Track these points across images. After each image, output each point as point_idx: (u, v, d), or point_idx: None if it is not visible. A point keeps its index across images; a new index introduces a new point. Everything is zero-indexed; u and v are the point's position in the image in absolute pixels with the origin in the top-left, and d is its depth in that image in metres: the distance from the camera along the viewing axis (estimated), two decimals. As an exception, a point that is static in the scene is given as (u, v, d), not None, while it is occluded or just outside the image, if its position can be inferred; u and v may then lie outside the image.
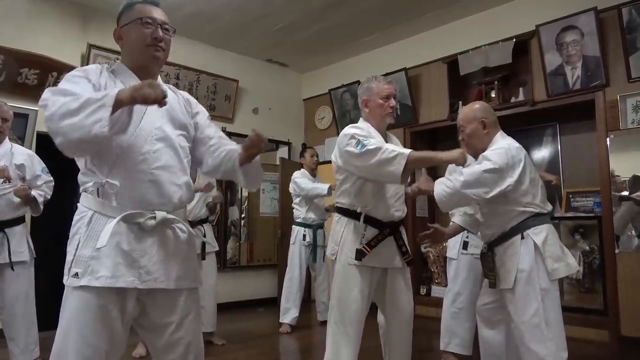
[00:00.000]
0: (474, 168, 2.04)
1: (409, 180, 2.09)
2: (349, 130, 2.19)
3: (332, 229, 2.32)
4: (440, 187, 2.05)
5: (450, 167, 3.21)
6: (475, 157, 2.21)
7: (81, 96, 1.26)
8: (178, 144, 1.50)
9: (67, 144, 1.26)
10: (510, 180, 2.03)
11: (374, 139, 2.11)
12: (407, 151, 1.98)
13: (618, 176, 3.83)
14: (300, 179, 4.36)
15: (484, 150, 2.19)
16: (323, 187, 4.19)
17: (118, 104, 1.23)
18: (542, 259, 2.04)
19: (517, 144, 2.15)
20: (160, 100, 1.25)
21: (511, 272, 2.06)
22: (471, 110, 2.25)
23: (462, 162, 2.01)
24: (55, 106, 1.26)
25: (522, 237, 2.07)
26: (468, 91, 4.87)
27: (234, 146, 1.58)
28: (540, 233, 2.08)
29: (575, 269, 2.16)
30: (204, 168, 1.64)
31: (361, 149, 2.04)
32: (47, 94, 1.32)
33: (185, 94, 1.67)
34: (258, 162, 1.58)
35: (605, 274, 3.83)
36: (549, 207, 2.19)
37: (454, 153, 1.97)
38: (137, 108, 1.39)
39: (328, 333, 2.20)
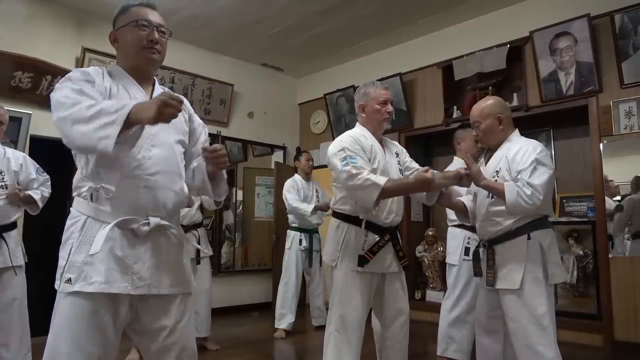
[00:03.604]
0: (541, 178, 1.99)
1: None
2: (341, 143, 2.18)
3: (329, 235, 2.29)
4: (516, 196, 1.96)
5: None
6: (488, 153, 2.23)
7: (96, 104, 1.25)
8: (174, 150, 1.49)
9: (71, 146, 1.31)
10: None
11: (360, 158, 2.12)
12: (383, 182, 2.02)
13: (611, 181, 3.85)
14: (290, 194, 4.39)
15: (495, 146, 2.19)
16: (307, 208, 4.25)
17: (132, 122, 1.22)
18: (546, 262, 2.03)
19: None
20: (176, 116, 1.24)
21: (516, 272, 2.03)
22: (487, 106, 2.22)
23: (427, 189, 2.04)
24: (69, 110, 1.26)
25: (529, 238, 2.04)
26: (463, 96, 4.90)
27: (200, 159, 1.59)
28: (547, 236, 2.08)
29: (568, 277, 2.17)
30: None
31: (344, 166, 2.09)
32: (62, 91, 1.32)
33: (184, 99, 1.65)
34: (223, 176, 1.63)
35: (599, 279, 3.84)
36: (552, 212, 2.19)
37: (425, 178, 1.99)
38: None
39: (328, 340, 2.16)
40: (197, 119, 1.67)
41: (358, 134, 2.26)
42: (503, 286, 2.07)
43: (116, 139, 1.20)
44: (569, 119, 4.30)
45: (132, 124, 1.23)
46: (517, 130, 2.24)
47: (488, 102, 2.24)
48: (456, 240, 3.12)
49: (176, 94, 1.27)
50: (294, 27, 5.01)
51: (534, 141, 2.15)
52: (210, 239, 4.41)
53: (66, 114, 1.25)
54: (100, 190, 1.36)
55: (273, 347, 4.01)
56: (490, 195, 2.14)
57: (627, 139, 3.80)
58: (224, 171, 1.61)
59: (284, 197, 4.43)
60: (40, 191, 2.94)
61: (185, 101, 1.66)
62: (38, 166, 3.02)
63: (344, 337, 2.12)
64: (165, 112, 1.19)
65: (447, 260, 3.20)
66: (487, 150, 2.28)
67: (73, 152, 1.44)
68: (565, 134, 4.47)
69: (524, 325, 1.99)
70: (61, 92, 1.32)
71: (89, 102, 1.27)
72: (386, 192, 2.02)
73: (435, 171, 2.04)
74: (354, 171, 2.06)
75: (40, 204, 2.92)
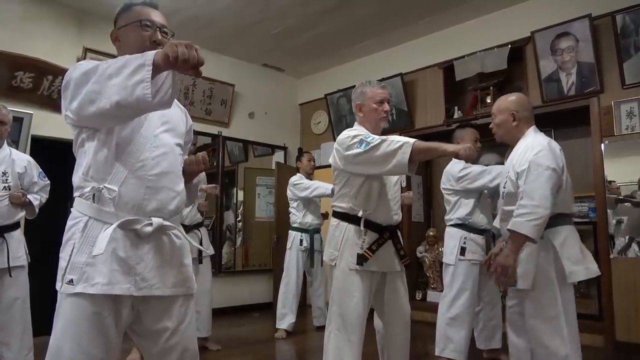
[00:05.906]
0: (534, 183, 1.99)
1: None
2: (349, 132, 2.19)
3: (329, 234, 2.30)
4: (529, 227, 1.96)
5: (447, 170, 3.22)
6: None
7: (121, 58, 1.22)
8: (175, 152, 1.49)
9: (103, 110, 1.22)
10: (563, 179, 2.05)
11: (373, 137, 2.10)
12: (412, 140, 1.97)
13: (613, 182, 3.85)
14: (301, 180, 4.38)
15: (511, 142, 2.21)
16: (327, 187, 4.04)
17: (156, 67, 1.17)
18: (560, 260, 2.03)
19: (553, 141, 2.14)
20: (197, 66, 1.17)
21: (529, 272, 2.05)
22: (505, 101, 2.28)
23: (464, 157, 1.97)
24: (98, 71, 1.23)
25: (541, 237, 2.04)
26: (464, 96, 4.89)
27: None
28: (559, 233, 2.07)
29: (596, 273, 2.09)
30: None
31: (365, 147, 2.05)
32: (78, 69, 1.29)
33: (183, 109, 1.67)
34: (197, 184, 1.73)
35: (600, 279, 3.83)
36: (573, 208, 2.18)
37: (459, 146, 1.98)
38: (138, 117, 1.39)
39: (328, 340, 2.16)
40: (191, 136, 1.69)
41: (361, 129, 2.27)
42: (520, 286, 2.10)
43: (151, 87, 1.14)
44: (570, 120, 4.30)
45: (159, 67, 1.17)
46: (532, 128, 2.24)
47: (508, 98, 2.29)
48: (453, 240, 3.12)
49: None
50: (295, 28, 5.01)
51: (538, 139, 2.14)
52: (210, 240, 4.41)
53: (97, 75, 1.22)
54: (103, 191, 1.35)
55: (274, 347, 4.01)
56: (503, 196, 2.19)
57: (629, 140, 3.79)
58: (199, 179, 1.71)
59: (292, 192, 4.38)
60: (40, 196, 2.99)
61: (188, 116, 1.68)
62: (41, 170, 3.05)
63: (344, 336, 2.12)
64: (172, 51, 1.14)
65: (443, 260, 3.21)
66: (508, 147, 2.33)
67: (75, 151, 1.43)
68: (566, 135, 4.46)
69: (537, 323, 2.03)
70: (79, 69, 1.30)
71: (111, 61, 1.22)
72: (417, 149, 1.94)
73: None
74: (377, 141, 2.02)
75: (37, 210, 2.98)
